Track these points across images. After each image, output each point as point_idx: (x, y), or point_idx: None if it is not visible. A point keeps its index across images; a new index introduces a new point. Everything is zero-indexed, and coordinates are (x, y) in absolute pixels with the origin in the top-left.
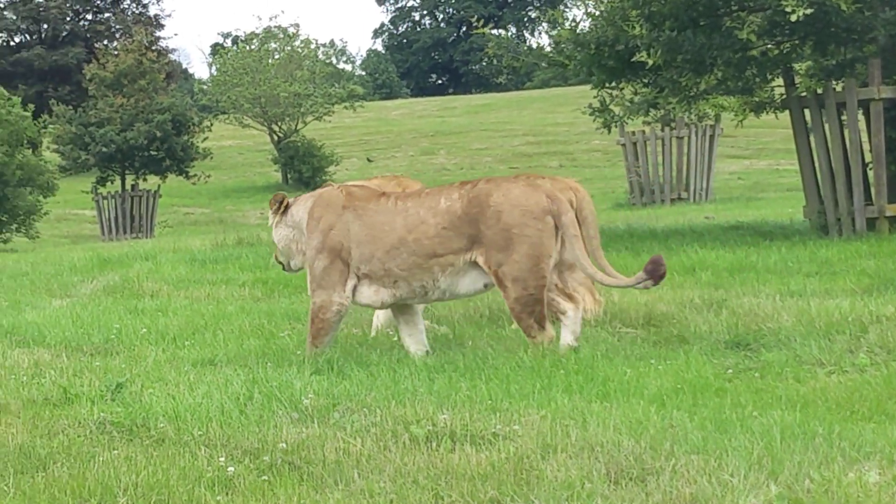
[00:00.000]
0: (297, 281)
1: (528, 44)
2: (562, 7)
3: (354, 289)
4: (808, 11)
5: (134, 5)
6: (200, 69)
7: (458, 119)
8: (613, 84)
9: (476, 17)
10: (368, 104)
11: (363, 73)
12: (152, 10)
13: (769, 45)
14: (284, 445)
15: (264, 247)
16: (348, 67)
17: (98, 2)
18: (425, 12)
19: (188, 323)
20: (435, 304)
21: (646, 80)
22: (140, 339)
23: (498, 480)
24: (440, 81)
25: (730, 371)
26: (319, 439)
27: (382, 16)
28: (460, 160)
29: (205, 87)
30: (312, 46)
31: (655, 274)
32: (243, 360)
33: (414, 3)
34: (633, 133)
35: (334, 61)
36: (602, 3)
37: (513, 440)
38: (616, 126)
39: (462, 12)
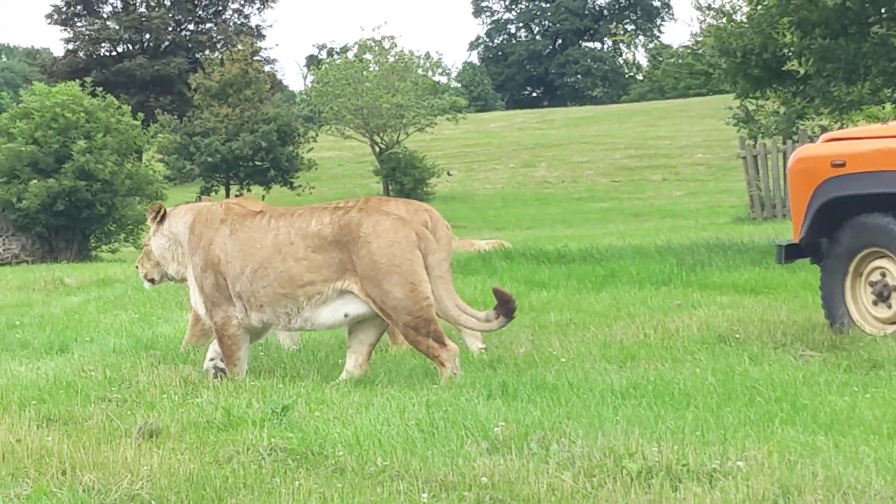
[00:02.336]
0: None
1: (623, 57)
2: (658, 20)
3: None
4: None
5: (236, 16)
6: (295, 81)
7: (557, 132)
8: (758, 94)
9: (615, 24)
10: (467, 116)
11: (458, 85)
12: (254, 21)
13: None
14: (485, 479)
15: None
16: (444, 80)
17: (200, 12)
18: (521, 25)
19: (335, 337)
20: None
21: (793, 90)
22: (290, 357)
23: None
24: (535, 94)
25: None
26: (520, 472)
27: (478, 28)
28: (561, 173)
29: (306, 97)
30: (410, 58)
31: (508, 311)
32: (405, 381)
33: (510, 15)
34: (754, 146)
35: (430, 74)
36: (748, 7)
37: (741, 478)
38: (762, 137)
39: (558, 25)
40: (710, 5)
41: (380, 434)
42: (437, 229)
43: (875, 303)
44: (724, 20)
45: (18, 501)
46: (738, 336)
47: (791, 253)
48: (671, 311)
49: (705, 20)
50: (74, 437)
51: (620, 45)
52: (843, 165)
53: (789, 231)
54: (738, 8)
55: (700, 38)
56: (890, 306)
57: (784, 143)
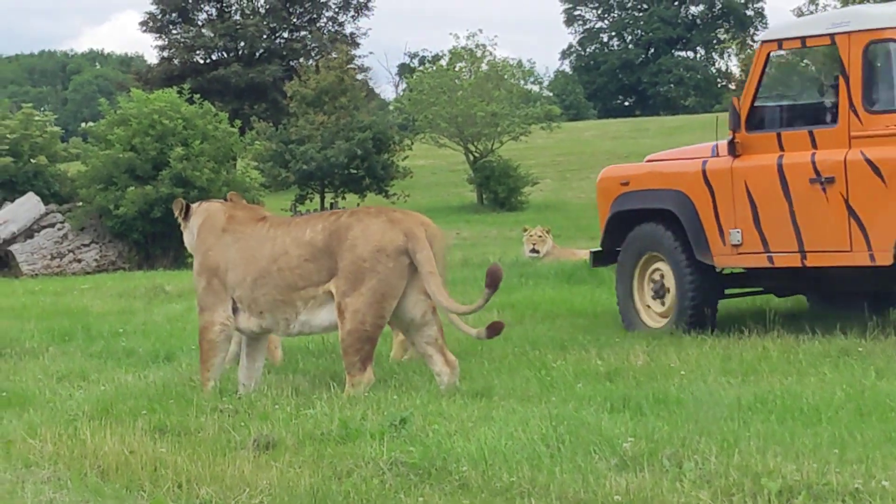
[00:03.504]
0: (548, 306)
1: (716, 66)
2: (752, 29)
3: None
4: None
5: (330, 24)
6: (386, 89)
7: (651, 141)
8: None
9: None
10: (561, 125)
11: (550, 94)
12: (348, 29)
13: None
14: (619, 497)
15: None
16: (536, 88)
17: (295, 20)
18: (613, 34)
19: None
20: None
21: None
22: (401, 367)
23: None
24: (627, 103)
25: None
26: (654, 490)
27: (570, 37)
28: None
29: (401, 105)
30: (503, 66)
31: (495, 282)
32: (522, 393)
33: (602, 24)
34: None
35: (522, 83)
36: None
37: (891, 500)
38: None
39: (651, 34)
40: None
41: (504, 449)
42: (433, 243)
43: (654, 299)
44: None
45: None
46: (860, 349)
47: (597, 259)
48: (786, 322)
49: None
50: (189, 449)
51: (713, 54)
52: (627, 184)
53: None
54: None
55: None
56: (664, 303)
57: None
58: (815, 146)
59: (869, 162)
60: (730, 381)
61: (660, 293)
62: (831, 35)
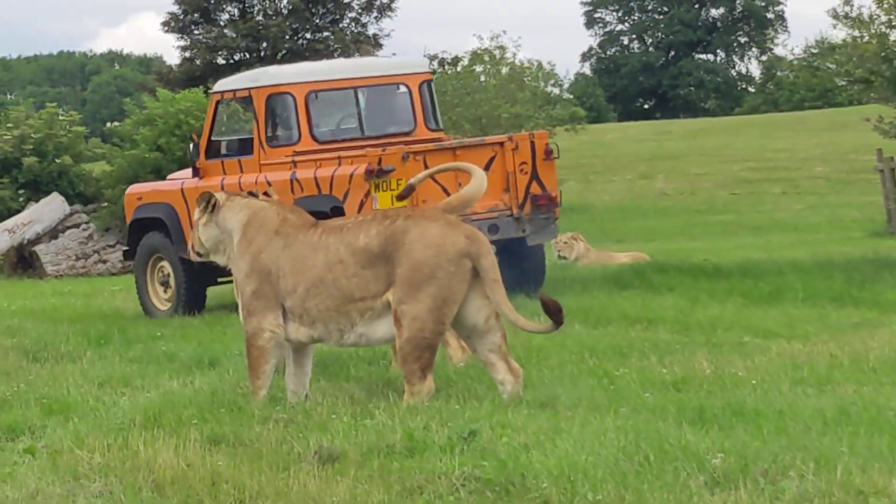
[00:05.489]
0: (599, 311)
1: (735, 69)
2: (772, 32)
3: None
4: None
5: (353, 25)
6: None
7: (674, 143)
8: None
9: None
10: (585, 127)
11: (571, 96)
12: (371, 30)
13: None
14: None
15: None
16: (556, 91)
17: (317, 21)
18: (634, 36)
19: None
20: None
21: None
22: (459, 375)
23: None
24: (647, 106)
25: None
26: None
27: (591, 39)
28: (679, 185)
29: None
30: (522, 69)
31: (557, 320)
32: (588, 403)
33: (623, 27)
34: (892, 158)
35: (542, 85)
36: None
37: None
38: None
39: (671, 37)
40: (847, 14)
41: (585, 464)
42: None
43: (161, 287)
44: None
45: None
46: None
47: (127, 256)
48: (849, 330)
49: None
50: (247, 462)
51: (734, 57)
52: (140, 199)
53: None
54: (875, 18)
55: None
56: (167, 291)
57: None
58: (242, 171)
59: (268, 183)
60: (806, 391)
61: (165, 284)
62: (249, 89)
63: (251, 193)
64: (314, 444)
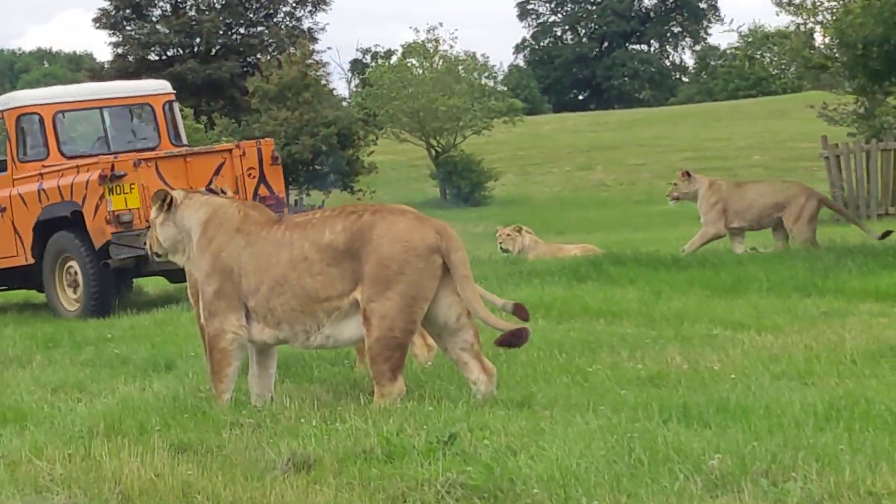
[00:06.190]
0: (561, 305)
1: (669, 59)
2: (705, 22)
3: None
4: None
5: (287, 19)
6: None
7: (612, 134)
8: (877, 87)
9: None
10: (516, 119)
11: (504, 88)
12: (306, 24)
13: None
14: None
15: (490, 266)
16: (490, 83)
17: (251, 16)
18: (567, 27)
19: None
20: None
21: None
22: (428, 375)
23: None
24: (581, 97)
25: None
26: None
27: (524, 31)
28: (618, 176)
29: (361, 101)
30: (455, 61)
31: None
32: (565, 402)
33: (556, 18)
34: (837, 146)
35: (476, 77)
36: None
37: None
38: (884, 135)
39: (604, 27)
40: (790, 1)
41: (576, 468)
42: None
43: (70, 288)
44: (840, 11)
45: None
46: None
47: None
48: (819, 320)
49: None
50: (217, 470)
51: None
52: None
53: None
54: (819, 4)
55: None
56: (76, 291)
57: (867, 142)
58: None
59: (20, 196)
60: (789, 385)
61: (74, 283)
62: (2, 111)
63: (211, 190)
64: (286, 451)
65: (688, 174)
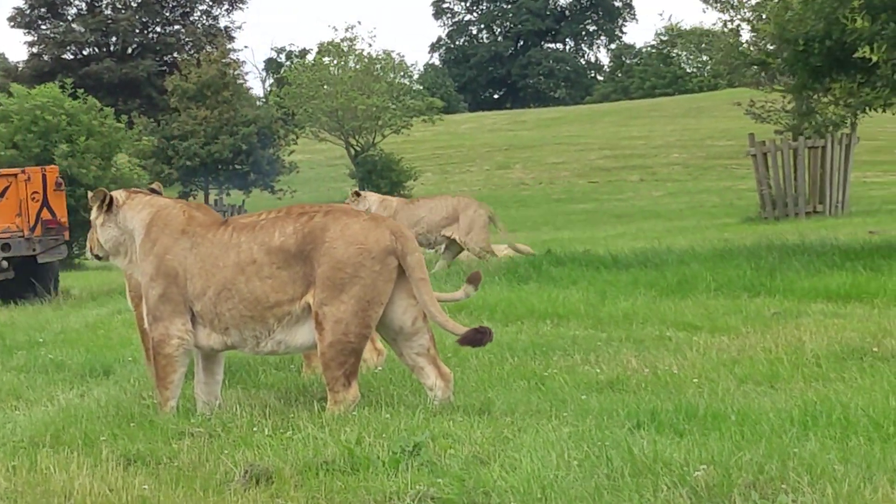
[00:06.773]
0: (505, 307)
1: (584, 57)
2: (620, 20)
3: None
4: None
5: (204, 17)
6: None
7: (530, 133)
8: (817, 85)
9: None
10: (436, 118)
11: (420, 87)
12: (222, 23)
13: None
14: None
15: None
16: (406, 82)
17: (167, 14)
18: (482, 26)
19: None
20: None
21: (861, 80)
22: (380, 380)
23: None
24: (497, 96)
25: None
26: None
27: (439, 30)
28: (537, 174)
29: (279, 99)
30: (370, 61)
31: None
32: (525, 408)
33: (471, 17)
34: (765, 143)
35: (392, 76)
36: None
37: None
38: (829, 131)
39: (519, 26)
40: None
41: (553, 479)
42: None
43: None
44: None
45: None
46: (875, 350)
47: None
48: (773, 321)
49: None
50: (171, 483)
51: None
52: None
53: (818, 230)
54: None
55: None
56: None
57: (794, 139)
58: None
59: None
60: (756, 389)
61: None
62: None
63: (153, 190)
64: (242, 462)
65: (357, 193)
